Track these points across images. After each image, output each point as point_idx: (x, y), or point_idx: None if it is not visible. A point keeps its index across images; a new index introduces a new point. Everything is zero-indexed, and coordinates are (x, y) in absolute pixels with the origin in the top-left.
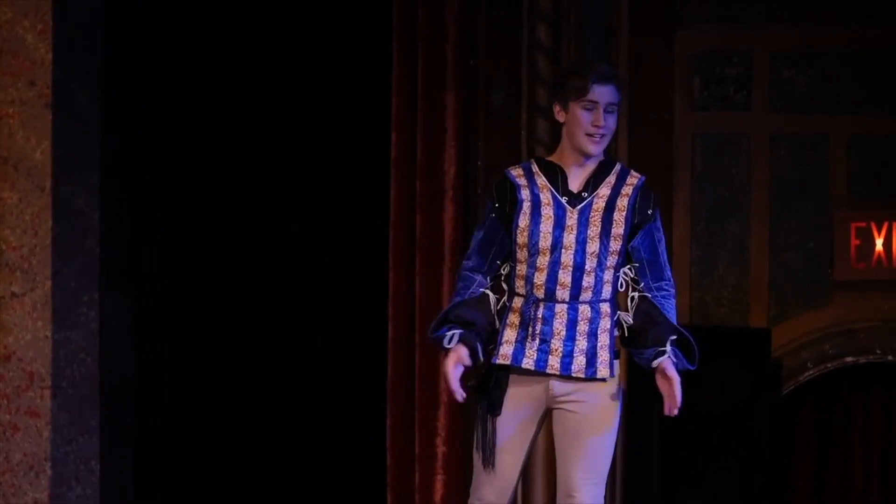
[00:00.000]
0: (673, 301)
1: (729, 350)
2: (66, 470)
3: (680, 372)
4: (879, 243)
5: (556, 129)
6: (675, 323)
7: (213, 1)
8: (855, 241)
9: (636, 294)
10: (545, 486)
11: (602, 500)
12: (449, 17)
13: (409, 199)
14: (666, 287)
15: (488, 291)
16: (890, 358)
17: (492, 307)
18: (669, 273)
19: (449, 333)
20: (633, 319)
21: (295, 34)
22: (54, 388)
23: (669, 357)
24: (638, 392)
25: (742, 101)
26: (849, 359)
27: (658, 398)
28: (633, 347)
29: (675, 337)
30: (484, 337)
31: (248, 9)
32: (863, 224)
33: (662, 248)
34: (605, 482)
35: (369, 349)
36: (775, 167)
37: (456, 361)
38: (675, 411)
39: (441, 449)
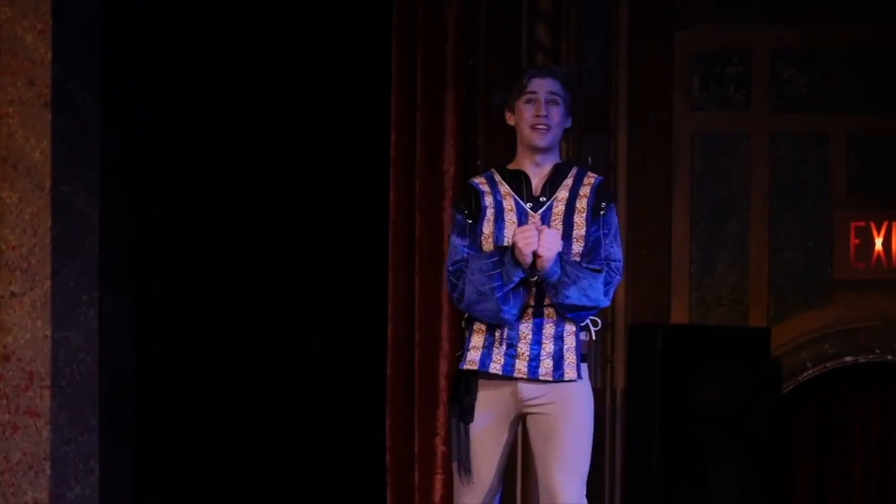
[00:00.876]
0: (602, 277)
1: (728, 350)
2: (65, 469)
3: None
4: (879, 243)
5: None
6: (587, 274)
7: (213, 1)
8: (854, 241)
9: None
10: None
11: (585, 499)
12: (449, 17)
13: (409, 198)
14: (597, 263)
15: None
16: (889, 357)
17: None
18: (615, 263)
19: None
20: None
21: (295, 34)
22: (54, 388)
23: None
24: (638, 392)
25: (742, 100)
26: (848, 358)
27: (658, 398)
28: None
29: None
30: None
31: (248, 9)
32: (862, 224)
33: (610, 240)
34: (585, 480)
35: (369, 349)
36: (775, 167)
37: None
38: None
39: (440, 448)
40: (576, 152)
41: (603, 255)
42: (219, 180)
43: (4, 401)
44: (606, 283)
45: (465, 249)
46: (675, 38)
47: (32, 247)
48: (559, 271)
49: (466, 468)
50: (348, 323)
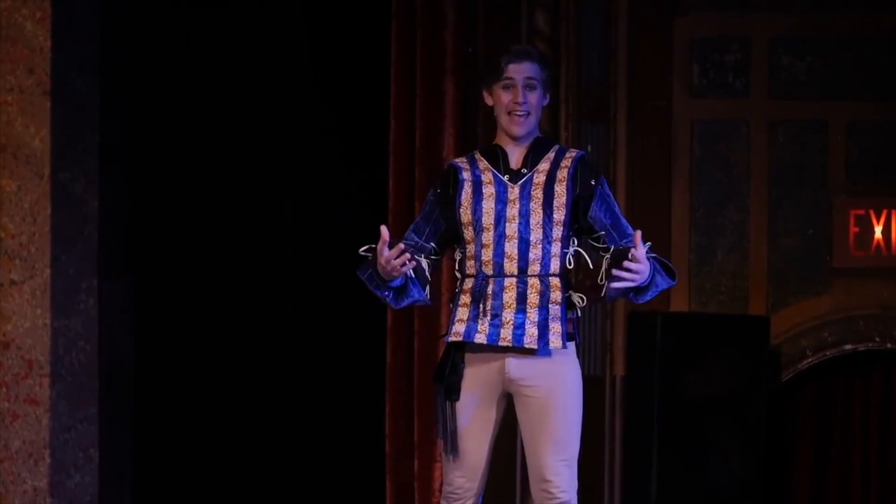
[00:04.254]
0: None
1: (728, 338)
2: (65, 457)
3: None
4: (878, 231)
5: (555, 115)
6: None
7: None
8: (854, 229)
9: (607, 255)
10: None
11: (576, 481)
12: (448, 4)
13: (408, 186)
14: (632, 241)
15: (422, 259)
16: (889, 345)
17: (424, 268)
18: (631, 230)
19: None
20: (608, 262)
21: (293, 21)
22: (53, 376)
23: (647, 252)
24: (637, 379)
25: (741, 87)
26: (847, 346)
27: (657, 386)
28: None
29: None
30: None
31: None
32: (861, 211)
33: (618, 209)
34: (576, 462)
35: (368, 337)
36: (774, 154)
37: (381, 244)
38: (618, 274)
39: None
40: (575, 140)
41: (623, 224)
42: (217, 167)
43: (4, 389)
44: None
45: (414, 225)
46: (674, 26)
47: (32, 235)
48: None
49: (453, 446)
50: (347, 311)
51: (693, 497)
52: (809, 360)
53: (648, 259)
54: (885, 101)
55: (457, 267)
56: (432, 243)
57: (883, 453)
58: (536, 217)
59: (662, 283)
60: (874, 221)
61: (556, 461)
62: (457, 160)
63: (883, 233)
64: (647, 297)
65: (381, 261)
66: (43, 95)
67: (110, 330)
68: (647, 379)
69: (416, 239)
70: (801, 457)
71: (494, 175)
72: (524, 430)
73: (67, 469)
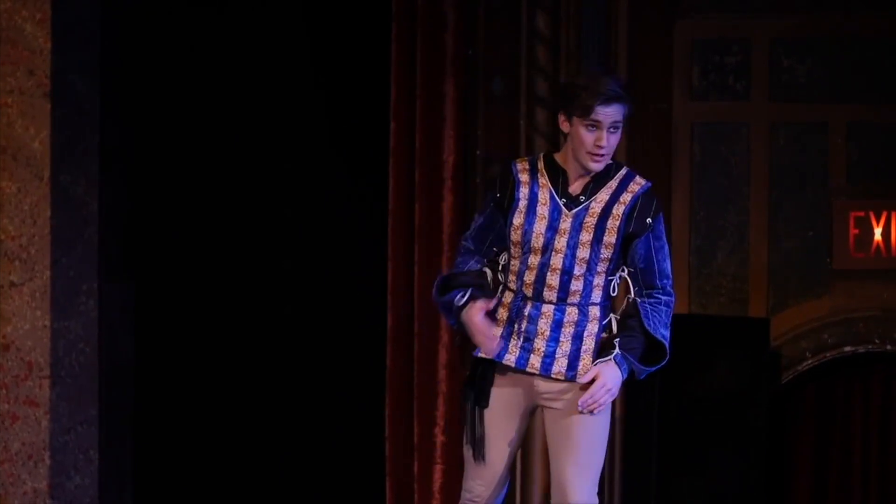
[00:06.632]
0: (663, 308)
1: (728, 339)
2: (65, 459)
3: (637, 379)
4: (878, 233)
5: (555, 119)
6: (650, 329)
7: None
8: (854, 231)
9: (630, 297)
10: (543, 486)
11: (596, 499)
12: (448, 7)
13: (408, 188)
14: (657, 295)
15: (486, 269)
16: (889, 347)
17: (489, 280)
18: (667, 282)
19: (460, 294)
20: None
21: (293, 22)
22: (53, 378)
23: (611, 360)
24: (636, 381)
25: (741, 89)
26: (847, 348)
27: (657, 388)
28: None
29: (620, 340)
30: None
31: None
32: (861, 213)
33: (662, 256)
34: (598, 480)
35: (368, 339)
36: (774, 156)
37: (480, 309)
38: (584, 408)
39: (440, 438)
40: None
41: (656, 270)
42: (217, 169)
43: (4, 391)
44: (666, 321)
45: (477, 231)
46: (674, 28)
47: (32, 237)
48: (627, 376)
49: (479, 452)
50: (348, 313)
51: (693, 498)
52: (809, 361)
53: (623, 357)
54: (885, 104)
55: (500, 269)
56: (494, 248)
57: (883, 454)
58: (584, 251)
59: (652, 365)
60: (874, 223)
61: (577, 475)
62: (518, 166)
63: (883, 234)
64: (646, 374)
65: (472, 327)
66: (43, 97)
67: (110, 332)
68: (647, 381)
69: (477, 246)
70: (801, 458)
71: (552, 195)
72: (549, 441)
73: (67, 471)
